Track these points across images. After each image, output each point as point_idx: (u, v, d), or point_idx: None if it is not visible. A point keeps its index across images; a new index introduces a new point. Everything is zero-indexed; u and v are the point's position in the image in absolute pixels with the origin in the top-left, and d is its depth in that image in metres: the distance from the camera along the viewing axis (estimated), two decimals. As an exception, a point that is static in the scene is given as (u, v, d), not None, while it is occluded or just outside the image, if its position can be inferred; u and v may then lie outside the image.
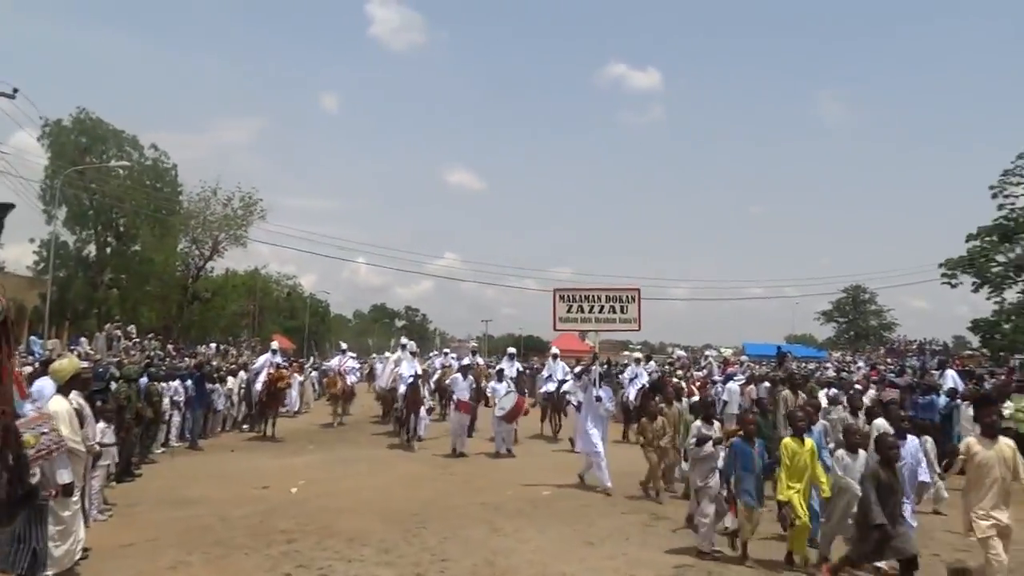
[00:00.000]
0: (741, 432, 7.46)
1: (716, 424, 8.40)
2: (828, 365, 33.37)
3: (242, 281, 53.48)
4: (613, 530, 8.34)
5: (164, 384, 13.77)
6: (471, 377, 15.28)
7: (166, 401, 13.75)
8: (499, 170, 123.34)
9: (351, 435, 17.34)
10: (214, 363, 21.03)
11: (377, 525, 8.26)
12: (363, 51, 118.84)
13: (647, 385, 16.70)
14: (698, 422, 8.34)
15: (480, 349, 26.86)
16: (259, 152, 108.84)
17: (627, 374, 18.94)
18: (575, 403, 14.62)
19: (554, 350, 19.47)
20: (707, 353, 40.58)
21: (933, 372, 17.96)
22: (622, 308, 11.59)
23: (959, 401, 13.31)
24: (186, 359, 24.32)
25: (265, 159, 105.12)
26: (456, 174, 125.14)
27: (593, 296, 11.66)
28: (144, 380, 12.48)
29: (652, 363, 23.18)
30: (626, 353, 18.40)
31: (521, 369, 19.70)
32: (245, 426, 18.06)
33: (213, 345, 35.03)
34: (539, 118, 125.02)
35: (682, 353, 30.86)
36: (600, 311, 11.58)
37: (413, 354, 17.29)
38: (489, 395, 15.74)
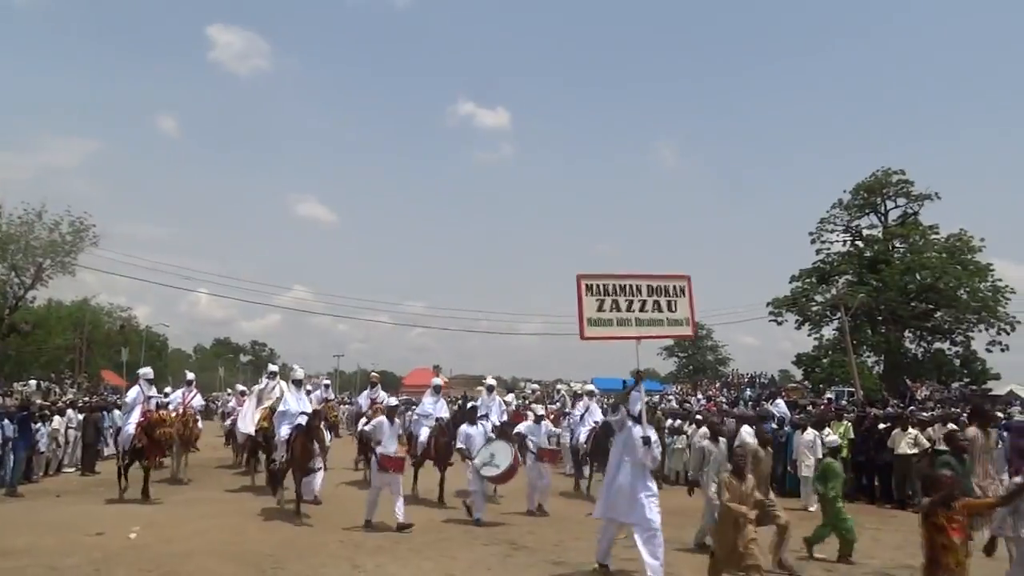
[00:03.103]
0: None
1: None
2: (670, 397, 35.29)
3: (68, 313, 49.29)
4: (474, 562, 8.37)
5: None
6: (399, 421, 11.65)
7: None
8: (350, 203, 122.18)
9: (195, 475, 16.24)
10: (37, 401, 19.18)
11: (229, 568, 7.84)
12: (204, 75, 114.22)
13: (598, 424, 13.99)
14: None
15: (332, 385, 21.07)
16: (90, 175, 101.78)
17: (577, 409, 15.78)
18: (533, 450, 12.03)
19: (489, 381, 15.53)
20: (559, 387, 41.77)
21: (765, 402, 19.44)
22: (670, 305, 8.38)
23: (790, 428, 14.57)
24: (1, 397, 22.08)
25: (96, 183, 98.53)
26: (306, 205, 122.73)
27: (632, 287, 8.32)
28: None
29: (511, 396, 23.46)
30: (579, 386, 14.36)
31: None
32: (71, 469, 16.60)
33: (33, 382, 31.93)
34: (390, 152, 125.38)
35: (536, 387, 31.51)
36: (642, 308, 8.28)
37: (298, 383, 12.74)
38: (461, 445, 11.77)
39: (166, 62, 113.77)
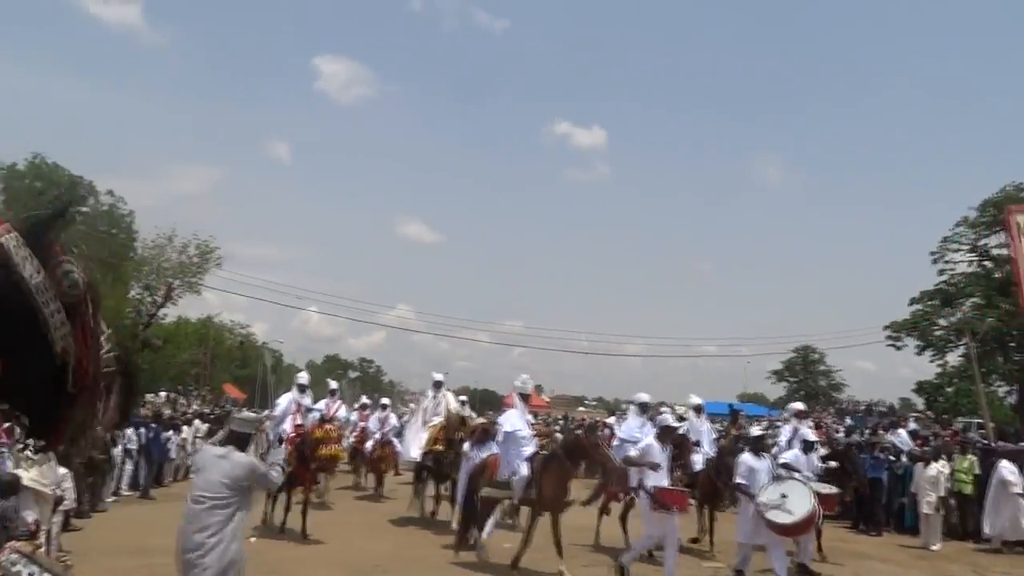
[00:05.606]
0: None
1: None
2: (779, 424, 34.01)
3: (194, 329, 52.64)
4: (575, 582, 8.41)
5: (118, 431, 13.53)
6: (670, 446, 8.73)
7: (118, 448, 13.50)
8: (452, 223, 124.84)
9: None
10: (166, 412, 20.61)
11: (339, 575, 8.21)
12: (312, 103, 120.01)
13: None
14: None
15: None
16: (211, 200, 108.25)
17: (782, 434, 12.59)
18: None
19: (695, 400, 12.66)
20: (662, 410, 41.01)
21: (882, 431, 18.48)
22: None
23: (909, 460, 13.82)
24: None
25: (217, 207, 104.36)
26: (409, 226, 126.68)
27: None
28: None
29: (612, 419, 23.15)
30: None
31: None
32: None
33: (163, 393, 34.24)
34: (489, 172, 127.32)
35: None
36: None
37: (525, 397, 10.09)
38: (741, 480, 8.84)
39: (277, 93, 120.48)
